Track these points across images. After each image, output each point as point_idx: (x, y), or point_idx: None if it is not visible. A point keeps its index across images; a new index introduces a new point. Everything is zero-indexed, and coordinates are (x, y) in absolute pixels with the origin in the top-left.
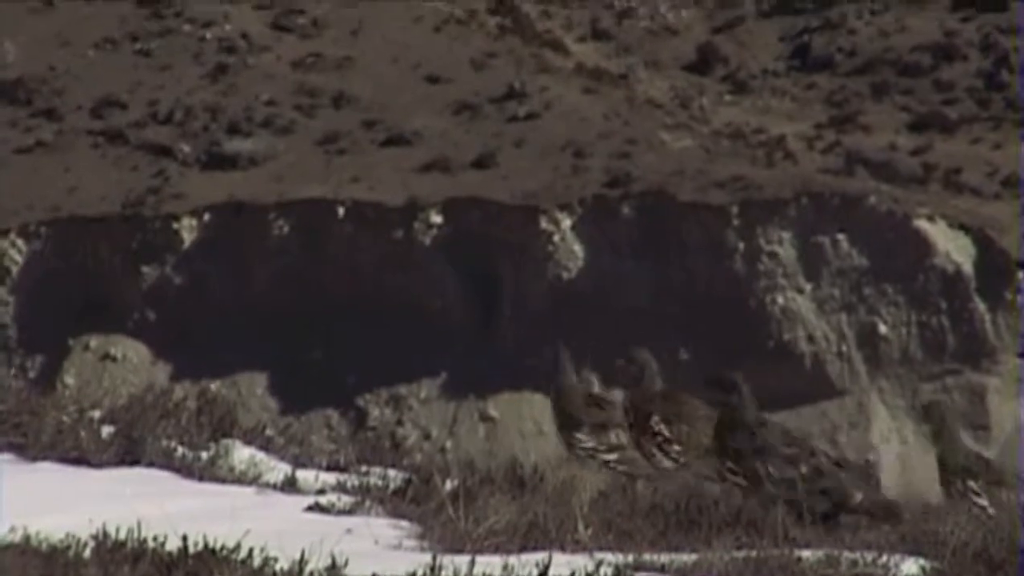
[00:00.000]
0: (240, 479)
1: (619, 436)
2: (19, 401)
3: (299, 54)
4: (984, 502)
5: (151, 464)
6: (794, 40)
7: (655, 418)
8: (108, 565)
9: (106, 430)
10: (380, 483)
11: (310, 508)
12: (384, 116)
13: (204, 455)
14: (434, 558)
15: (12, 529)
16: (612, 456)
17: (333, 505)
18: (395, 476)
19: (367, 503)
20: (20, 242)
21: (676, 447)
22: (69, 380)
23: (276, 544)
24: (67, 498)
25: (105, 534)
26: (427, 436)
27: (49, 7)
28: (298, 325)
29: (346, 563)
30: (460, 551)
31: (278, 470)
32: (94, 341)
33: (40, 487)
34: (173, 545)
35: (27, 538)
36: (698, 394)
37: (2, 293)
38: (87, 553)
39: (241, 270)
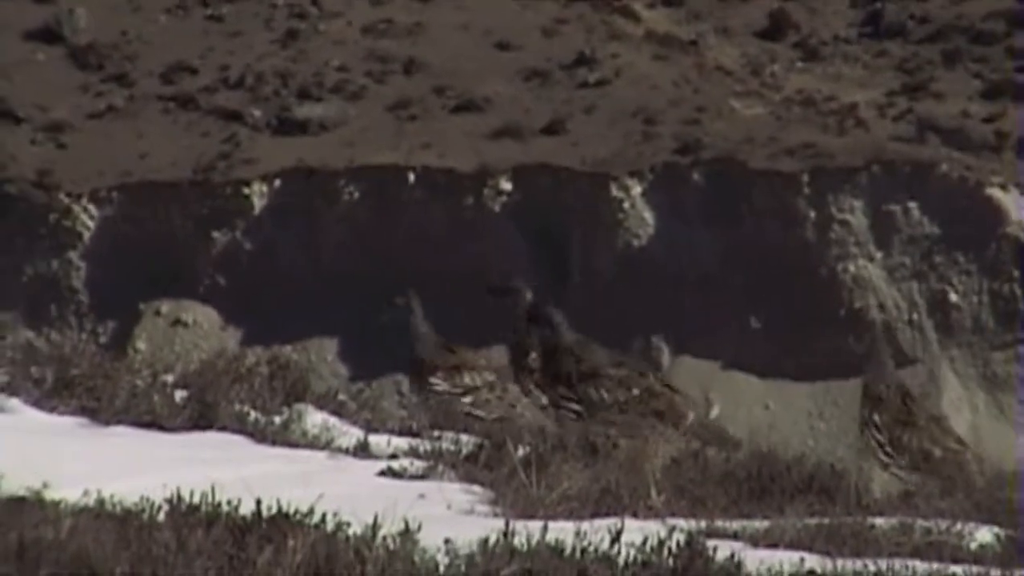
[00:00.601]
0: (313, 444)
1: (474, 378)
2: (92, 365)
3: (370, 20)
4: (883, 438)
5: (224, 428)
6: (866, 7)
7: (532, 355)
8: (182, 528)
9: (179, 394)
10: (452, 448)
11: (382, 473)
12: (454, 82)
13: (277, 420)
14: (507, 523)
15: (86, 493)
16: (467, 399)
17: (405, 470)
18: (467, 442)
19: (440, 468)
20: (92, 207)
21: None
22: (140, 345)
23: (349, 508)
24: (141, 462)
25: (179, 497)
26: None
27: None
28: (368, 291)
29: (419, 528)
30: (532, 517)
31: (350, 435)
32: (165, 306)
33: (114, 451)
34: (247, 509)
35: (101, 501)
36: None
37: (74, 258)
38: (161, 516)
39: (311, 236)
